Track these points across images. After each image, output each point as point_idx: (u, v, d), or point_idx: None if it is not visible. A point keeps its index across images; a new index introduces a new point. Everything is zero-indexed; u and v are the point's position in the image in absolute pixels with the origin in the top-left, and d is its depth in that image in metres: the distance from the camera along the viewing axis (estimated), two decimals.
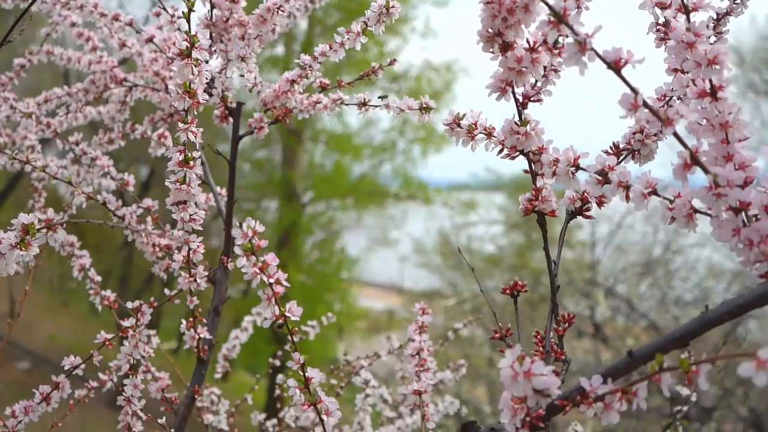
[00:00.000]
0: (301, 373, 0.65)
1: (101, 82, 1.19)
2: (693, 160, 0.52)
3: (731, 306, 0.49)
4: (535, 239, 9.28)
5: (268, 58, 9.12)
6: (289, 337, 0.64)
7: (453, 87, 10.70)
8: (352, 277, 11.55)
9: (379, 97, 0.95)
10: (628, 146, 0.68)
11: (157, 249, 1.02)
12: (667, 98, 0.69)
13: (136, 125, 1.19)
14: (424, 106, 0.82)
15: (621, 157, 0.68)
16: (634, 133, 0.68)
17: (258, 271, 0.62)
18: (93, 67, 1.20)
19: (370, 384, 1.31)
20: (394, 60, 1.02)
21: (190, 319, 0.96)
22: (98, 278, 1.10)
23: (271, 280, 0.62)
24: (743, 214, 0.52)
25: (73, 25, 1.20)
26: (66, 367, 0.91)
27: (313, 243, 11.53)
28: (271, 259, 0.62)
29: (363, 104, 0.96)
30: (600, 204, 0.67)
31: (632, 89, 0.51)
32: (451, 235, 10.65)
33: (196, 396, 0.99)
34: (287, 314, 0.63)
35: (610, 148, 0.69)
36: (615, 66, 0.50)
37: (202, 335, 0.97)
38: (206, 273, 0.91)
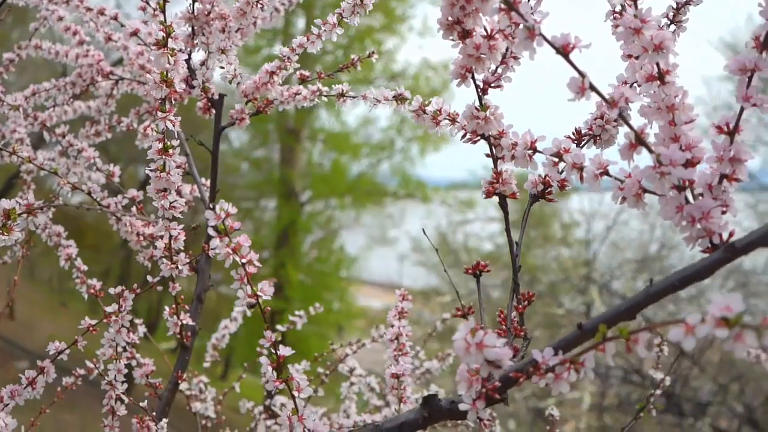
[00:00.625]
0: (273, 351, 0.67)
1: (88, 75, 1.21)
2: (638, 140, 0.54)
3: (674, 279, 0.51)
4: (532, 237, 9.31)
5: (267, 57, 9.14)
6: (262, 316, 0.67)
7: (450, 85, 10.71)
8: (351, 275, 11.56)
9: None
10: (590, 132, 0.71)
11: (142, 238, 1.04)
12: (627, 85, 0.71)
13: (122, 118, 1.22)
14: (399, 96, 0.85)
15: (582, 142, 0.71)
16: (595, 119, 0.71)
17: (231, 252, 0.64)
18: (80, 60, 1.22)
19: (355, 372, 1.34)
20: (373, 52, 1.04)
21: (173, 306, 0.98)
22: (84, 267, 1.12)
23: (244, 261, 0.64)
24: (687, 192, 0.54)
25: (60, 19, 1.22)
26: (51, 353, 0.93)
27: (312, 242, 11.55)
28: (244, 240, 0.65)
29: (341, 95, 0.98)
30: (562, 187, 0.70)
31: (580, 73, 0.53)
32: (449, 234, 10.67)
33: (180, 381, 1.01)
34: (259, 293, 0.65)
35: (572, 133, 0.71)
36: (563, 51, 0.53)
37: (184, 322, 0.99)
38: (188, 260, 0.93)
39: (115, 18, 1.12)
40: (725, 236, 0.53)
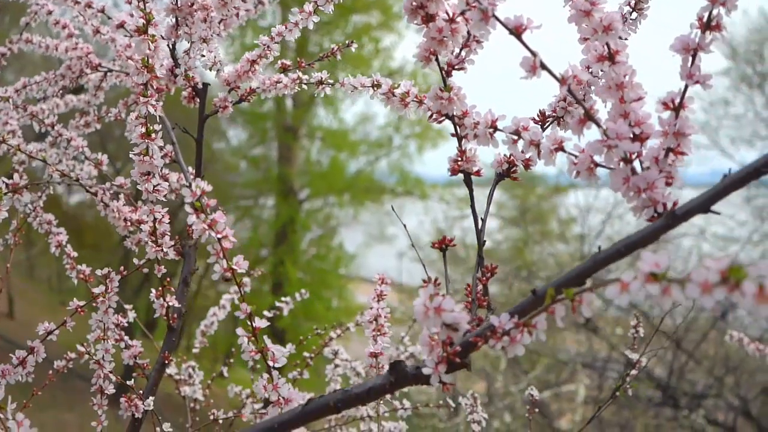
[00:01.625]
0: (249, 323, 0.70)
1: (77, 67, 1.24)
2: (587, 116, 0.57)
3: (620, 246, 0.55)
4: (530, 233, 9.34)
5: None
6: (237, 288, 0.70)
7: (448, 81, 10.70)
8: (350, 273, 11.59)
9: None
10: (554, 113, 0.74)
11: (128, 224, 1.07)
12: (590, 68, 0.74)
13: (111, 109, 1.25)
14: (375, 83, 0.88)
15: (547, 123, 0.74)
16: (558, 101, 0.74)
17: (207, 227, 0.67)
18: (69, 53, 1.25)
19: (340, 356, 1.37)
20: (352, 42, 1.07)
21: (159, 288, 1.01)
22: (74, 254, 1.15)
23: (219, 236, 0.67)
24: (636, 164, 0.57)
25: (50, 13, 1.25)
26: (40, 333, 0.96)
27: (311, 239, 11.58)
28: (219, 216, 0.68)
29: (320, 83, 1.02)
30: (527, 167, 0.73)
31: (532, 52, 0.56)
32: (446, 230, 10.71)
33: (166, 362, 1.04)
34: (234, 267, 0.68)
35: (537, 115, 0.74)
36: (516, 32, 0.56)
37: (171, 304, 1.02)
38: (173, 243, 0.97)
39: (102, 11, 1.15)
40: (669, 206, 0.56)
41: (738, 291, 0.37)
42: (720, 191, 0.52)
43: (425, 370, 0.60)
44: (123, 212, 1.05)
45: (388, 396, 1.40)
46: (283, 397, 0.69)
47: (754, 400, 5.89)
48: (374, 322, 1.00)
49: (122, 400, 1.00)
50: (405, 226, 0.92)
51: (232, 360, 1.47)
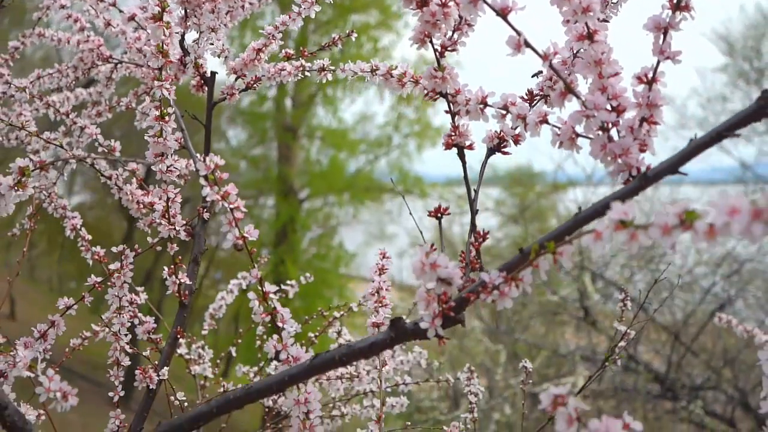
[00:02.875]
0: (260, 288, 0.76)
1: (89, 59, 1.30)
2: (567, 89, 0.63)
3: (598, 206, 0.60)
4: (530, 232, 9.40)
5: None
6: (250, 258, 0.75)
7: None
8: (350, 272, 11.64)
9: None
10: (541, 92, 0.79)
11: (141, 206, 1.13)
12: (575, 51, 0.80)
13: (122, 99, 1.30)
14: (374, 67, 0.93)
15: (534, 101, 0.79)
16: (545, 80, 0.79)
17: (220, 198, 0.73)
18: (81, 46, 1.31)
19: (343, 335, 1.43)
20: (352, 32, 1.12)
21: (172, 266, 1.07)
22: (89, 237, 1.21)
23: (232, 206, 0.73)
24: (613, 133, 0.63)
25: (62, 7, 1.30)
26: (60, 307, 1.02)
27: (311, 239, 11.63)
28: (231, 188, 0.73)
29: (322, 69, 1.07)
30: (516, 142, 0.78)
31: (516, 32, 0.62)
32: (447, 228, 10.75)
33: (179, 336, 1.10)
34: (246, 235, 0.74)
35: (525, 93, 0.80)
36: (502, 13, 0.61)
37: (182, 281, 1.08)
38: (184, 222, 1.02)
39: (113, 4, 1.20)
40: (642, 170, 0.61)
41: (692, 229, 0.43)
42: (687, 154, 0.57)
43: (423, 325, 0.65)
44: (136, 195, 1.11)
45: (391, 373, 1.46)
46: (292, 356, 0.74)
47: (752, 391, 5.95)
48: (376, 294, 1.05)
49: (137, 372, 1.06)
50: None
51: (239, 341, 1.52)
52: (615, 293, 6.69)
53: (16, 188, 0.78)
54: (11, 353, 0.75)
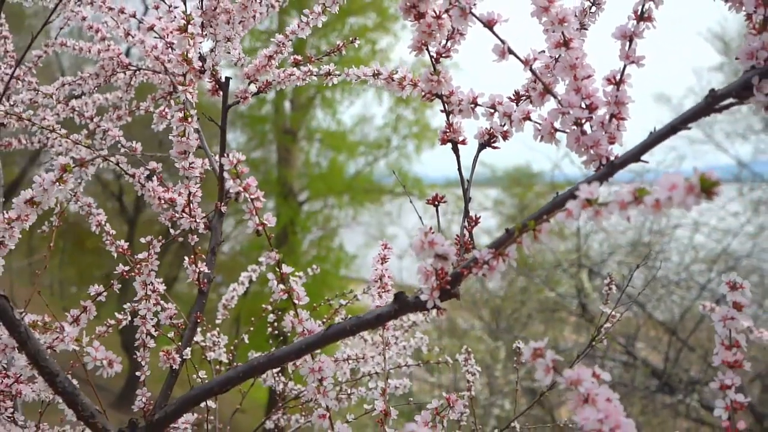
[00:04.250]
0: (278, 269, 0.85)
1: (109, 67, 1.39)
2: (546, 90, 0.73)
3: (571, 190, 0.70)
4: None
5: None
6: (267, 240, 0.85)
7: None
8: (351, 274, 11.72)
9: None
10: (526, 93, 0.89)
11: (162, 202, 1.22)
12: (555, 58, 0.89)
13: (141, 103, 1.40)
14: (376, 71, 1.03)
15: (520, 101, 0.89)
16: (529, 82, 0.89)
17: (242, 190, 0.82)
18: (102, 54, 1.40)
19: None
20: (355, 38, 1.22)
21: (192, 256, 1.16)
22: (113, 231, 1.30)
23: (253, 196, 0.83)
24: (587, 127, 0.73)
25: (84, 19, 1.40)
26: (91, 294, 1.11)
27: (311, 241, 11.72)
28: (252, 181, 0.83)
29: (328, 74, 1.17)
30: (504, 137, 0.88)
31: (501, 41, 0.71)
32: (446, 229, 10.83)
33: (198, 321, 1.19)
34: (265, 221, 0.84)
35: (513, 94, 0.89)
36: (489, 24, 0.71)
37: (202, 270, 1.17)
38: (204, 215, 1.12)
39: (133, 15, 1.30)
40: (611, 159, 0.71)
41: (642, 203, 0.53)
42: (647, 144, 0.67)
43: (423, 297, 0.75)
44: (157, 191, 1.20)
45: (395, 355, 1.55)
46: (307, 329, 0.84)
47: (748, 385, 6.04)
48: (379, 281, 1.15)
49: (161, 354, 1.15)
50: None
51: (252, 328, 1.61)
52: (612, 289, 6.77)
53: (58, 183, 0.88)
54: (57, 329, 0.85)
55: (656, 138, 0.67)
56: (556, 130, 0.75)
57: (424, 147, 11.89)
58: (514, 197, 10.91)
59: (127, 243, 1.29)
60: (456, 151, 0.86)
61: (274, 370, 1.55)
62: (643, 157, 0.67)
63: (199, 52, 1.20)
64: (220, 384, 0.80)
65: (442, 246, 0.70)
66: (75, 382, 0.88)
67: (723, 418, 0.71)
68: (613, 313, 1.29)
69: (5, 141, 1.55)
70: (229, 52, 1.12)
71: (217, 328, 1.50)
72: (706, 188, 0.48)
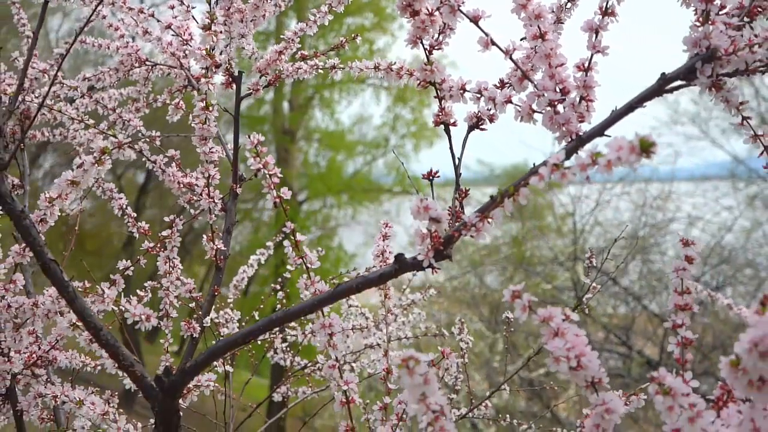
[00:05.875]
0: (293, 237, 0.97)
1: (128, 62, 1.50)
2: (524, 76, 0.84)
3: (544, 161, 0.81)
4: (528, 228, 9.62)
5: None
6: (285, 214, 0.96)
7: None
8: (350, 273, 11.81)
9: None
10: (509, 80, 1.00)
11: (181, 186, 1.34)
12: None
13: (158, 96, 1.51)
14: (377, 65, 1.14)
15: (505, 87, 1.00)
16: (513, 70, 1.00)
17: (261, 167, 0.94)
18: (121, 51, 1.52)
19: (351, 302, 1.64)
20: (356, 35, 1.34)
21: (210, 234, 1.28)
22: (134, 214, 1.42)
23: (271, 173, 0.94)
24: (558, 108, 0.84)
25: (104, 17, 1.51)
26: (120, 267, 1.22)
27: (310, 240, 11.82)
28: (270, 159, 0.95)
29: (333, 68, 1.28)
30: (491, 120, 0.99)
31: (485, 33, 0.83)
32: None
33: (216, 293, 1.31)
34: (282, 195, 0.95)
35: (498, 82, 1.01)
36: (474, 20, 0.83)
37: (219, 247, 1.29)
38: (221, 196, 1.23)
39: (152, 15, 1.41)
40: (580, 134, 0.82)
41: (596, 165, 0.64)
42: (608, 121, 0.78)
43: (419, 257, 0.86)
44: (177, 176, 1.31)
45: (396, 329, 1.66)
46: (318, 289, 0.95)
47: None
48: (380, 256, 1.26)
49: (182, 324, 1.27)
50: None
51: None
52: (609, 283, 6.92)
53: (97, 165, 0.99)
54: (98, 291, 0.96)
55: (616, 116, 0.78)
56: (534, 111, 0.87)
57: (422, 146, 12.00)
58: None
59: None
60: (447, 131, 0.97)
61: (284, 345, 1.66)
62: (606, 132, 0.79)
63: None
64: (243, 335, 0.91)
65: (435, 210, 0.82)
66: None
67: (675, 353, 0.82)
68: (594, 285, 1.40)
69: (30, 134, 1.67)
70: (244, 48, 1.24)
71: (231, 305, 1.62)
72: (645, 148, 0.59)
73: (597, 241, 7.68)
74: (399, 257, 0.89)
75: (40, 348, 1.19)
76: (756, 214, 8.58)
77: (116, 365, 0.93)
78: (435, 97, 0.96)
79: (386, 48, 11.63)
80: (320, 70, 1.31)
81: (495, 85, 1.00)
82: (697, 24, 0.76)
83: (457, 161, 0.98)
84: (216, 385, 1.54)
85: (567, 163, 0.70)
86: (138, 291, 1.42)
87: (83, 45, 1.60)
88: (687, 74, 0.76)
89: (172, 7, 1.42)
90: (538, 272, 7.63)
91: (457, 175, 0.97)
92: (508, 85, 1.00)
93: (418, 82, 0.95)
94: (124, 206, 1.43)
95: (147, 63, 1.53)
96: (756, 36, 0.76)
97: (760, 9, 0.79)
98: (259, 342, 1.75)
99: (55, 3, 1.47)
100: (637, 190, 8.25)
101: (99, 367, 1.32)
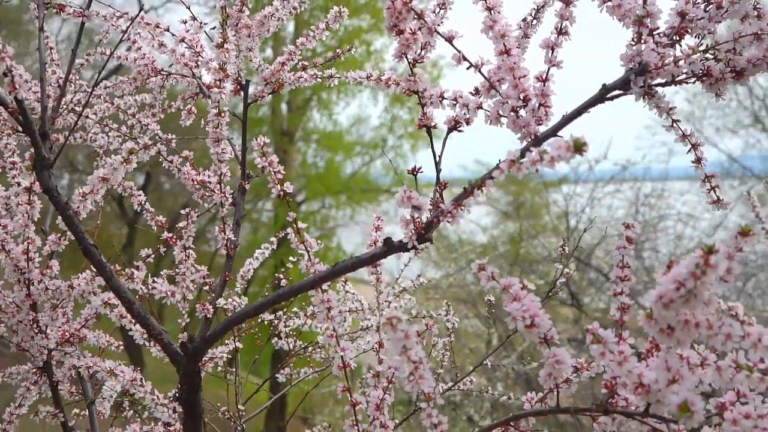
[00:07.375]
0: (295, 225, 1.12)
1: (145, 72, 1.66)
2: (491, 86, 1.00)
3: (529, 146, 0.96)
4: (525, 228, 9.79)
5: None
6: (288, 206, 1.12)
7: (439, 82, 11.16)
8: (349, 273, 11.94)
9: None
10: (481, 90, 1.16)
11: (195, 183, 1.49)
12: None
13: (172, 102, 1.67)
14: (369, 74, 1.29)
15: (477, 96, 1.16)
16: (482, 83, 1.16)
17: (267, 165, 1.09)
18: (138, 61, 1.67)
19: (347, 288, 1.79)
20: (352, 47, 1.49)
21: (221, 225, 1.43)
22: (152, 209, 1.57)
23: (275, 170, 1.10)
24: (520, 113, 1.00)
25: (123, 31, 1.66)
26: (142, 255, 1.38)
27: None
28: (274, 158, 1.10)
29: (331, 77, 1.44)
30: (467, 123, 1.15)
31: (457, 50, 0.98)
32: (443, 227, 11.05)
33: (227, 279, 1.46)
34: (285, 189, 1.10)
35: (473, 89, 1.16)
36: (448, 39, 0.98)
37: (230, 237, 1.44)
38: (232, 191, 1.39)
39: (167, 29, 1.57)
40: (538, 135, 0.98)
41: (543, 160, 0.79)
42: (559, 124, 0.94)
43: (404, 239, 1.02)
44: (191, 174, 1.47)
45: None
46: (318, 269, 1.11)
47: None
48: (373, 246, 1.41)
49: (198, 306, 1.42)
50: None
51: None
52: (601, 280, 7.09)
53: (125, 163, 1.14)
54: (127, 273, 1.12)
55: (566, 120, 0.94)
56: (500, 115, 1.02)
57: (420, 146, 12.14)
58: (508, 195, 11.18)
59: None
60: (429, 133, 1.13)
61: (288, 328, 1.82)
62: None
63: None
64: (255, 308, 1.07)
65: (417, 199, 0.97)
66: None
67: (616, 316, 0.98)
68: (567, 270, 1.55)
69: (53, 137, 1.82)
70: (252, 60, 1.39)
71: (238, 292, 1.77)
72: (578, 147, 0.75)
73: (592, 239, 7.85)
74: (387, 240, 1.05)
75: (71, 327, 1.34)
76: (750, 213, 8.74)
77: (146, 335, 1.08)
78: (417, 103, 1.11)
79: (383, 49, 11.78)
80: (319, 79, 1.46)
81: (471, 93, 1.15)
82: (632, 43, 0.92)
83: (437, 158, 1.13)
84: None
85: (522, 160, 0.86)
86: (154, 278, 1.58)
87: (102, 56, 1.76)
88: (623, 85, 0.91)
89: (185, 22, 1.57)
90: (533, 270, 7.80)
91: (438, 170, 1.13)
92: (479, 92, 1.16)
93: (404, 90, 1.11)
94: (143, 202, 1.59)
95: (162, 73, 1.68)
96: (683, 53, 0.92)
97: (687, 30, 0.95)
98: (265, 322, 1.91)
99: (90, 20, 1.62)
100: (631, 188, 8.43)
101: (121, 346, 1.48)
